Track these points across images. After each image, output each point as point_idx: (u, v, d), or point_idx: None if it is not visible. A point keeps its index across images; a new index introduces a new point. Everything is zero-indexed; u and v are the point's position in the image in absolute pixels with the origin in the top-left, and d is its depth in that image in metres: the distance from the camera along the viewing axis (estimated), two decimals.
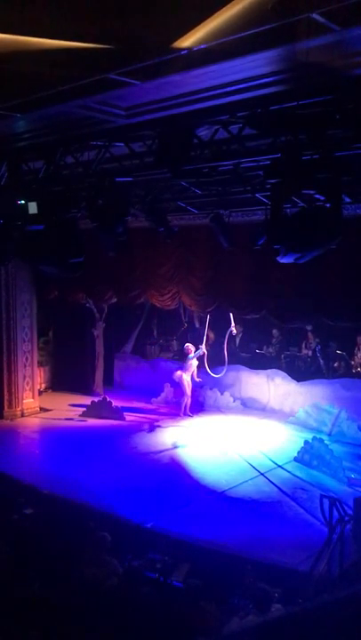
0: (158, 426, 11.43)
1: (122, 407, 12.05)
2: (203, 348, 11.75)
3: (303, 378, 11.99)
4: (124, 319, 14.53)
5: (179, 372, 11.81)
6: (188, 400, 11.92)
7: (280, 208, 5.85)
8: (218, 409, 12.65)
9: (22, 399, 12.42)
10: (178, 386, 12.07)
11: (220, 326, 12.18)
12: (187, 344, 12.08)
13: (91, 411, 12.00)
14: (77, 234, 7.25)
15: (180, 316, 15.29)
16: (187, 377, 11.80)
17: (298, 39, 3.80)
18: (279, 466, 9.18)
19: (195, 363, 11.81)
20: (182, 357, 12.61)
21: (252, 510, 7.57)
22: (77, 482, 8.35)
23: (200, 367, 11.89)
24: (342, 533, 6.19)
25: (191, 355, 11.81)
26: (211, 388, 12.87)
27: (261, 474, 8.81)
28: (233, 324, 11.27)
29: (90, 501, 7.68)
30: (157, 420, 11.80)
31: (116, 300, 12.79)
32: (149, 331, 15.36)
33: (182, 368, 11.90)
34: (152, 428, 11.23)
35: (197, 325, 14.78)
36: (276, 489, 8.27)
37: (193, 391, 12.09)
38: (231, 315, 11.13)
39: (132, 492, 8.02)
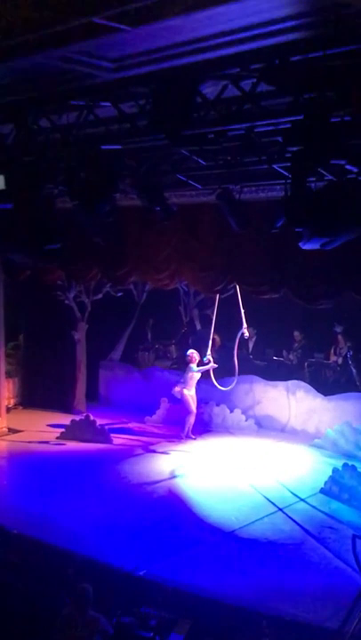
0: (153, 450, 11.42)
1: (108, 428, 12.04)
2: (212, 360, 11.67)
3: (332, 391, 11.99)
4: (112, 319, 14.53)
5: (178, 387, 11.73)
6: (192, 419, 11.87)
7: (303, 182, 5.85)
8: (226, 429, 12.64)
9: None
10: (178, 402, 12.01)
11: (228, 328, 12.18)
12: (190, 351, 11.94)
13: (70, 432, 11.99)
14: (54, 214, 7.25)
15: (180, 316, 15.30)
16: (189, 391, 11.74)
17: None
18: (302, 499, 9.18)
19: (197, 374, 11.74)
20: (183, 366, 12.59)
21: (268, 554, 7.55)
22: (54, 520, 8.33)
23: (204, 377, 11.84)
24: None
25: (194, 366, 11.68)
26: (218, 404, 12.86)
27: (280, 509, 8.81)
28: (245, 325, 11.21)
29: (70, 544, 7.66)
30: (152, 444, 11.79)
31: (101, 278, 12.58)
32: (143, 333, 15.37)
33: (182, 381, 11.81)
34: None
35: (200, 327, 14.77)
36: (297, 528, 8.26)
37: (197, 407, 12.06)
38: (243, 312, 11.08)
39: (121, 533, 8.00)
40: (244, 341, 12.48)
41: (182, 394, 11.69)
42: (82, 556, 7.42)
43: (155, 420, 13.06)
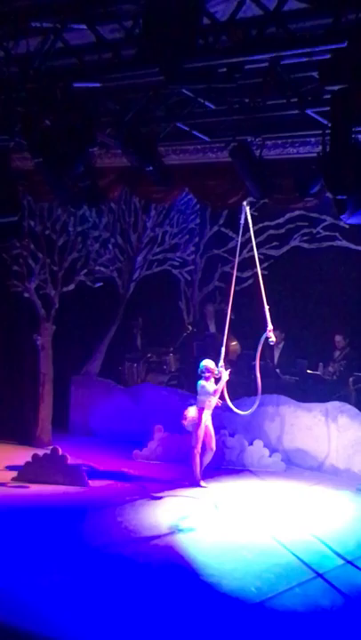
0: (146, 496, 11.44)
1: (83, 465, 12.07)
2: (222, 366, 11.47)
3: None
4: (88, 319, 14.56)
5: (193, 412, 11.53)
6: (209, 458, 11.73)
7: (347, 133, 5.87)
8: (244, 468, 12.69)
9: None
10: (188, 433, 11.84)
11: (247, 330, 12.20)
12: (206, 362, 11.60)
13: (31, 471, 11.99)
14: (10, 175, 7.29)
15: (181, 314, 15.32)
16: (208, 417, 11.55)
17: None
18: (348, 561, 9.20)
19: (213, 397, 11.52)
20: (184, 383, 12.65)
21: (303, 635, 7.57)
22: (10, 597, 8.33)
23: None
24: None
25: (209, 386, 11.47)
26: (232, 434, 12.88)
27: (318, 574, 8.83)
28: (270, 327, 11.15)
29: (33, 626, 7.66)
30: (144, 487, 11.81)
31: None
32: (130, 338, 15.39)
33: (199, 403, 11.55)
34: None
35: (214, 329, 14.74)
36: (342, 600, 8.27)
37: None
38: (267, 309, 11.04)
39: (101, 612, 8.00)
40: (268, 349, 12.47)
41: (197, 422, 11.38)
42: None
43: (146, 456, 13.09)
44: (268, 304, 11.07)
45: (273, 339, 11.24)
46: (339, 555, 9.38)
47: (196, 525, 10.34)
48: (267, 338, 11.18)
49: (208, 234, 15.44)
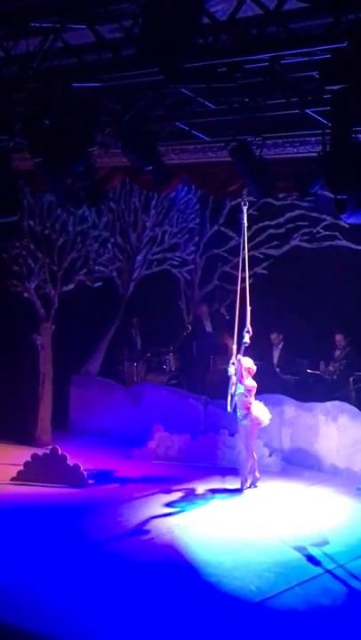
0: (145, 494, 11.45)
1: (83, 465, 12.07)
2: (233, 363, 11.34)
3: None
4: (87, 318, 14.56)
5: (262, 411, 11.30)
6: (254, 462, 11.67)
7: (347, 133, 5.89)
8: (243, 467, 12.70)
9: None
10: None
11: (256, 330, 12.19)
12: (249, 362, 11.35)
13: (31, 471, 11.99)
14: (9, 175, 7.31)
15: (181, 313, 15.31)
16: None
17: None
18: (349, 561, 9.19)
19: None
20: (184, 383, 12.61)
21: (303, 635, 7.58)
22: (10, 596, 8.33)
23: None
24: None
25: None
26: (232, 434, 12.89)
27: (319, 574, 8.81)
28: (247, 327, 10.99)
29: (32, 628, 7.66)
30: (144, 488, 11.81)
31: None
32: (129, 338, 15.38)
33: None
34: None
35: (210, 328, 14.76)
36: (341, 601, 8.27)
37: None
38: (249, 311, 10.95)
39: (101, 611, 8.00)
40: (267, 351, 12.45)
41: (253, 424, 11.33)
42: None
43: (146, 455, 13.10)
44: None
45: (247, 340, 11.22)
46: (339, 554, 9.38)
47: (196, 525, 10.35)
48: (244, 335, 11.22)
49: (208, 233, 15.45)
